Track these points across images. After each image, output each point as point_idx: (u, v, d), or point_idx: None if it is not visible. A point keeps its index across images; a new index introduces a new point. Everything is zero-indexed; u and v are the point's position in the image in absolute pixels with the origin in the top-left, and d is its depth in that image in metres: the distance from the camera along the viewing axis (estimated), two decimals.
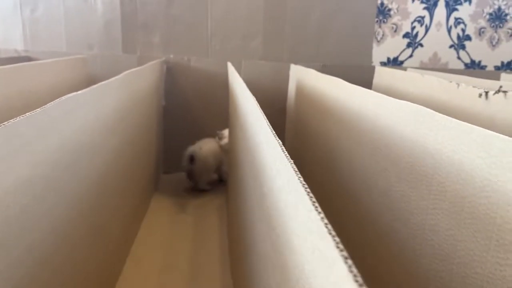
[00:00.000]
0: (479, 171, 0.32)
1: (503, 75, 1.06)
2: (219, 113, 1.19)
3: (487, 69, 1.57)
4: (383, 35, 1.53)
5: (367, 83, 1.16)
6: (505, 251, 0.29)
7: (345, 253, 0.13)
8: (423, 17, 1.52)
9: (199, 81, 1.22)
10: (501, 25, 1.52)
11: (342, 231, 0.69)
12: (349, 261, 0.12)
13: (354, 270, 0.12)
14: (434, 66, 1.57)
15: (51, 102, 0.37)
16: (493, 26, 1.53)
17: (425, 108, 0.41)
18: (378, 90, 1.10)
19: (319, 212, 0.16)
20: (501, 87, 0.59)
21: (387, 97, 0.50)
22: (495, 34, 1.54)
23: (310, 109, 0.95)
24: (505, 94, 0.58)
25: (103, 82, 0.53)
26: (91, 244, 0.55)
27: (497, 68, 1.57)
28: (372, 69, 1.15)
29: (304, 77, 1.03)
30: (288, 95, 1.22)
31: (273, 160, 0.29)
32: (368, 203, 0.55)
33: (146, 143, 0.99)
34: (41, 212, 0.36)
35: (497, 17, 1.52)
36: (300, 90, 1.07)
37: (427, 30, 1.53)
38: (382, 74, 1.08)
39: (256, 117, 0.41)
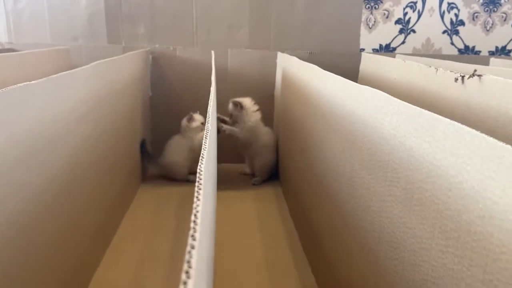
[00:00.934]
0: (426, 156, 0.31)
1: (492, 59, 1.04)
2: (206, 102, 1.17)
3: (481, 54, 1.54)
4: (374, 21, 1.50)
5: (354, 70, 1.14)
6: (446, 238, 0.28)
7: (195, 243, 0.12)
8: (415, 3, 1.49)
9: (186, 70, 1.21)
10: (495, 9, 1.49)
11: (313, 218, 0.69)
12: (193, 251, 0.12)
13: (193, 261, 0.11)
14: (427, 52, 1.54)
15: None
16: (487, 11, 1.50)
17: (382, 92, 0.40)
18: (364, 76, 1.09)
19: (198, 200, 0.15)
20: (475, 71, 0.58)
21: (351, 82, 0.49)
22: (489, 19, 1.50)
23: (293, 96, 0.94)
24: (480, 78, 0.56)
25: (64, 72, 0.52)
26: (60, 236, 0.54)
27: (491, 53, 1.54)
28: (359, 56, 1.13)
29: (288, 65, 1.02)
30: (276, 83, 1.21)
31: (208, 149, 0.28)
32: (336, 190, 0.54)
33: (129, 134, 0.98)
34: None
35: (491, 1, 1.49)
36: (285, 78, 1.06)
37: (419, 15, 1.50)
38: (368, 61, 1.07)
39: (212, 106, 0.40)
